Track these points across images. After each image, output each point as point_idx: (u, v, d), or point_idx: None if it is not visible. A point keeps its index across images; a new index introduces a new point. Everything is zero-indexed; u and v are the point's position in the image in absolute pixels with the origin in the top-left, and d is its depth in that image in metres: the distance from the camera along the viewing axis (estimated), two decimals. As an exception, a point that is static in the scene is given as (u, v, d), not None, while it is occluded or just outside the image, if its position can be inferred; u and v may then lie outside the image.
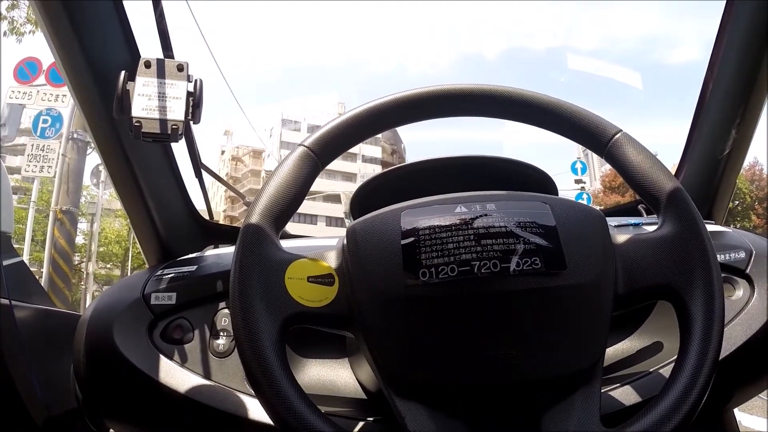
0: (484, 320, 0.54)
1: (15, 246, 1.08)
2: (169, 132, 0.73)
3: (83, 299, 12.33)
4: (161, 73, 0.75)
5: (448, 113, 0.67)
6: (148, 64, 0.75)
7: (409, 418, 0.54)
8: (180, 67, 0.76)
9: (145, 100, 0.74)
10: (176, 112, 0.74)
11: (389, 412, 0.56)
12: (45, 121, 8.84)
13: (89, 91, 0.82)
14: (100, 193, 13.45)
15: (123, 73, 0.74)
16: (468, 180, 0.73)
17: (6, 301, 0.87)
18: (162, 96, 0.74)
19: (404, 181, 0.88)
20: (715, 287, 0.57)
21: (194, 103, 0.76)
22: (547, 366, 0.56)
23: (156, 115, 0.73)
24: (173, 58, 0.78)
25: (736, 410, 0.98)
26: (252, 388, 0.62)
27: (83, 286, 13.09)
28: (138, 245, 1.06)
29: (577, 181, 13.47)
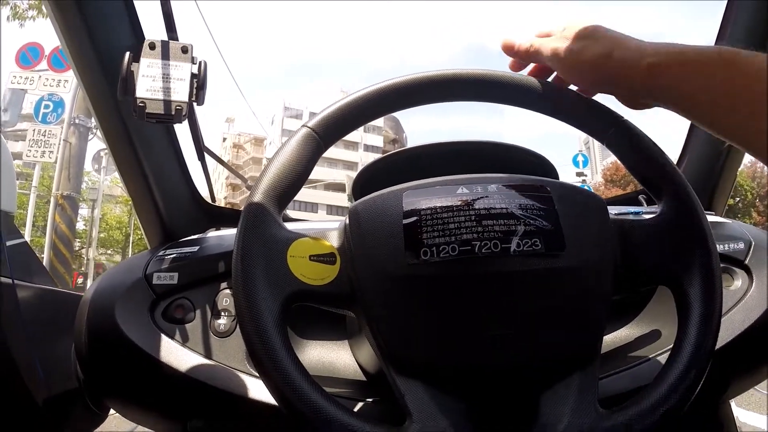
0: (484, 300, 0.55)
1: (16, 230, 1.09)
2: (173, 113, 0.73)
3: (84, 284, 12.36)
4: (165, 55, 0.75)
5: (449, 98, 0.67)
6: (152, 46, 0.75)
7: (408, 397, 0.54)
8: (184, 49, 0.77)
9: (149, 81, 0.74)
10: (180, 93, 0.74)
11: (388, 393, 0.57)
12: (47, 107, 8.84)
13: (94, 72, 0.82)
14: (102, 178, 13.48)
15: (127, 54, 0.74)
16: (469, 164, 0.73)
17: (9, 280, 0.87)
18: (166, 77, 0.74)
19: (406, 165, 0.89)
20: (714, 272, 0.57)
21: (198, 84, 0.76)
22: (546, 347, 0.56)
23: (160, 96, 0.73)
24: (177, 40, 0.78)
25: (734, 406, 0.99)
26: (254, 366, 0.63)
27: (84, 272, 13.12)
28: (139, 231, 1.06)
29: (579, 174, 13.46)
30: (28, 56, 8.82)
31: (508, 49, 0.68)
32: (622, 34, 0.61)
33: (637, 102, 0.61)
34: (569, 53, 0.62)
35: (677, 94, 0.57)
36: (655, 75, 0.57)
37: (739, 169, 1.17)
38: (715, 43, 1.01)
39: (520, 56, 0.68)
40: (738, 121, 0.53)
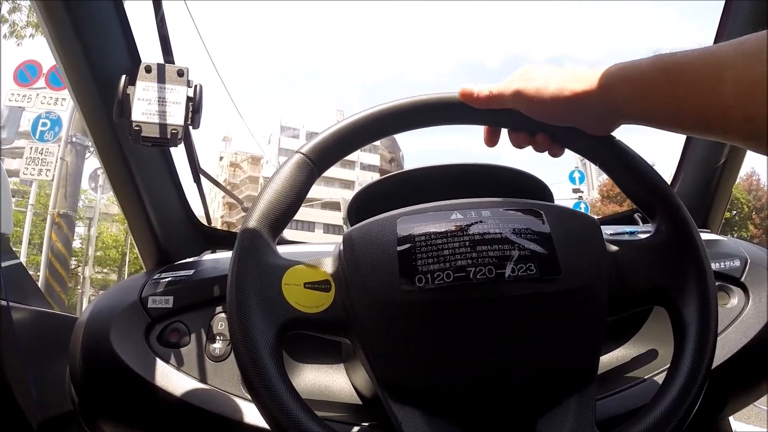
0: (479, 326, 0.55)
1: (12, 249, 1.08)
2: (169, 136, 0.74)
3: (80, 303, 12.30)
4: (161, 78, 0.76)
5: (445, 121, 0.67)
6: (148, 69, 0.76)
7: (405, 423, 0.54)
8: (180, 72, 0.77)
9: (145, 104, 0.74)
10: (176, 116, 0.75)
11: (384, 417, 0.56)
12: (44, 125, 8.83)
13: (90, 94, 0.82)
14: (98, 197, 13.43)
15: (123, 77, 0.74)
16: (464, 187, 0.73)
17: (4, 303, 0.87)
18: (162, 101, 0.75)
19: (401, 188, 0.89)
20: (709, 292, 0.58)
21: (194, 108, 0.77)
22: (542, 371, 0.56)
23: (156, 119, 0.74)
24: (174, 63, 0.79)
25: (733, 420, 0.99)
26: (248, 393, 0.63)
27: (80, 290, 13.06)
28: (135, 250, 1.06)
29: (575, 191, 13.51)
30: (26, 74, 8.84)
31: (467, 97, 0.65)
32: (573, 66, 0.63)
33: (606, 125, 0.62)
34: (532, 90, 0.61)
35: (636, 111, 0.58)
36: (611, 98, 0.58)
37: (735, 183, 1.17)
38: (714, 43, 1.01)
39: (479, 103, 0.65)
40: (700, 130, 0.55)
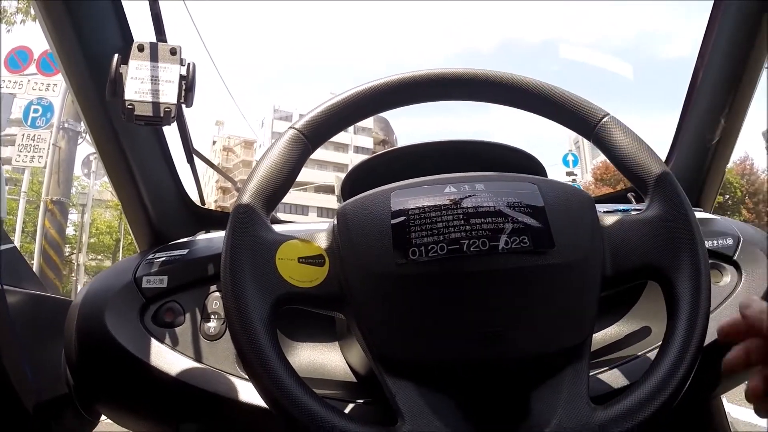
0: (472, 298, 0.55)
1: (4, 237, 1.08)
2: (162, 115, 0.73)
3: (74, 290, 12.28)
4: (154, 57, 0.75)
5: (436, 97, 0.67)
6: (141, 48, 0.75)
7: (399, 397, 0.54)
8: (173, 51, 0.76)
9: (137, 83, 0.74)
10: (169, 95, 0.74)
11: (379, 394, 0.57)
12: (36, 111, 8.79)
13: (82, 74, 0.81)
14: (91, 183, 13.40)
15: (116, 56, 0.74)
16: (457, 164, 0.73)
17: (-3, 286, 0.86)
18: (155, 79, 0.74)
19: (394, 165, 0.89)
20: (701, 267, 0.58)
21: (187, 86, 0.76)
22: (536, 344, 0.56)
23: (149, 98, 0.73)
24: (166, 42, 0.78)
25: (726, 403, 0.99)
26: (243, 369, 0.63)
27: (74, 277, 13.04)
28: (129, 236, 1.06)
29: (569, 174, 13.49)
30: (17, 60, 8.77)
31: (735, 332, 0.51)
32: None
33: None
34: None
35: None
36: None
37: (728, 167, 1.17)
38: (704, 34, 1.01)
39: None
40: None
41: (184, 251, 0.87)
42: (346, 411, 0.75)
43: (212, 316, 0.80)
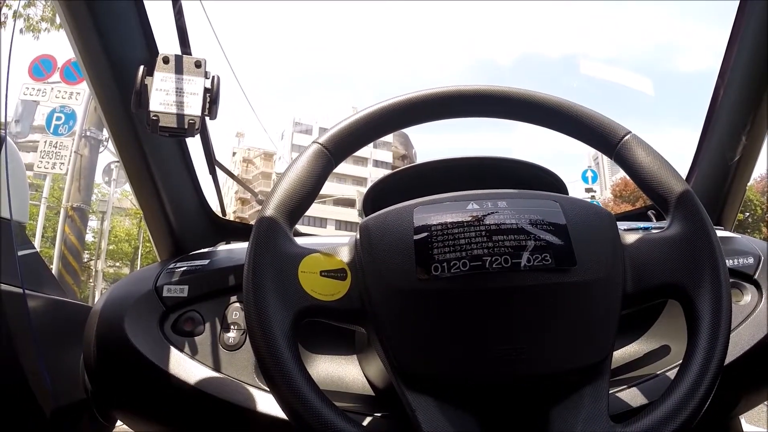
0: (494, 314, 0.55)
1: (26, 241, 1.09)
2: (186, 127, 0.74)
3: (92, 296, 12.37)
4: (179, 69, 0.76)
5: (458, 114, 0.68)
6: (166, 60, 0.76)
7: (419, 412, 0.54)
8: (198, 64, 0.77)
9: (162, 95, 0.75)
10: (193, 107, 0.75)
11: (397, 408, 0.57)
12: (58, 119, 8.89)
13: (108, 85, 0.83)
14: (112, 191, 13.49)
15: (142, 68, 0.75)
16: (479, 180, 0.73)
17: (19, 290, 0.88)
18: (179, 91, 0.75)
19: (416, 181, 0.89)
20: (722, 286, 0.57)
21: (211, 99, 0.77)
22: (556, 361, 0.56)
23: (173, 110, 0.74)
24: (191, 54, 0.79)
25: (744, 421, 0.98)
26: (264, 380, 0.63)
27: (92, 283, 13.14)
28: (148, 243, 1.07)
29: (588, 190, 13.44)
30: (41, 68, 8.89)
31: None
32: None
33: None
34: None
35: None
36: None
37: (749, 184, 1.16)
38: (725, 52, 1.01)
39: None
40: None
41: (205, 261, 0.87)
42: (364, 424, 0.75)
43: (232, 327, 0.81)
